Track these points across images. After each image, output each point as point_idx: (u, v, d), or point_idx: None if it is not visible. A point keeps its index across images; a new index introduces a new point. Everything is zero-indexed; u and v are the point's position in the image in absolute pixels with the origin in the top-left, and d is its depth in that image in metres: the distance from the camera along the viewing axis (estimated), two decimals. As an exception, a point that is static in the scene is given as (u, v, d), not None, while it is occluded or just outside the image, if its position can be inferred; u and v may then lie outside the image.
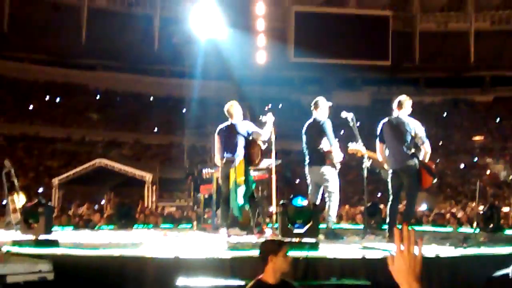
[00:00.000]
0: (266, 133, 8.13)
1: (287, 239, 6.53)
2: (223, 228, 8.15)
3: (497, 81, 38.10)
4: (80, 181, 18.86)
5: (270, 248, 4.74)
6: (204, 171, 10.67)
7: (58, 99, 32.44)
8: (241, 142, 8.01)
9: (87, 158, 21.73)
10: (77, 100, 32.52)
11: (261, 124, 8.24)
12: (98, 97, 33.69)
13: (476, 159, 29.56)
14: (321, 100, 8.11)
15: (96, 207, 16.49)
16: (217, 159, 8.36)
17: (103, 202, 18.36)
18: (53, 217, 8.02)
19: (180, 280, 5.73)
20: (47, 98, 32.22)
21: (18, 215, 9.20)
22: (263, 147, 8.22)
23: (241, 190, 7.88)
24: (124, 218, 10.93)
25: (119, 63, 35.11)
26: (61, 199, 18.37)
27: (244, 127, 8.10)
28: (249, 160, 8.02)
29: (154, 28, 37.04)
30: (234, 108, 8.20)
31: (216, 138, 8.34)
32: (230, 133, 8.10)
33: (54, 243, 7.08)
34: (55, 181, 19.00)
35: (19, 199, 9.92)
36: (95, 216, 12.99)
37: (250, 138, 8.07)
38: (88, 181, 18.83)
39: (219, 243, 7.39)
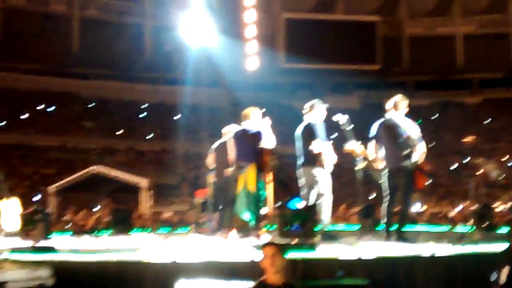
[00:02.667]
0: (271, 139, 8.09)
1: (285, 241, 6.62)
2: (222, 231, 8.18)
3: (486, 83, 38.37)
4: (76, 188, 18.80)
5: (269, 250, 4.81)
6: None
7: (51, 108, 32.35)
8: (254, 148, 7.91)
9: (82, 165, 21.65)
10: (70, 108, 32.46)
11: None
12: (91, 105, 33.62)
13: (467, 159, 29.74)
14: (316, 103, 8.13)
15: (93, 213, 16.47)
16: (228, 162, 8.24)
17: (98, 208, 18.32)
18: (50, 224, 8.04)
19: (179, 283, 5.77)
20: (41, 107, 32.11)
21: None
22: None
23: (251, 196, 7.78)
24: (121, 223, 10.94)
25: (111, 72, 35.10)
26: (57, 206, 18.31)
27: (259, 133, 8.00)
28: (260, 167, 7.90)
29: (146, 36, 37.15)
30: (252, 113, 8.14)
31: (231, 141, 8.25)
32: (243, 138, 8.02)
33: (52, 249, 7.12)
34: (51, 188, 18.89)
35: (11, 204, 9.80)
36: (91, 222, 13.00)
37: (263, 144, 7.97)
38: (84, 188, 18.80)
39: (218, 246, 7.45)
